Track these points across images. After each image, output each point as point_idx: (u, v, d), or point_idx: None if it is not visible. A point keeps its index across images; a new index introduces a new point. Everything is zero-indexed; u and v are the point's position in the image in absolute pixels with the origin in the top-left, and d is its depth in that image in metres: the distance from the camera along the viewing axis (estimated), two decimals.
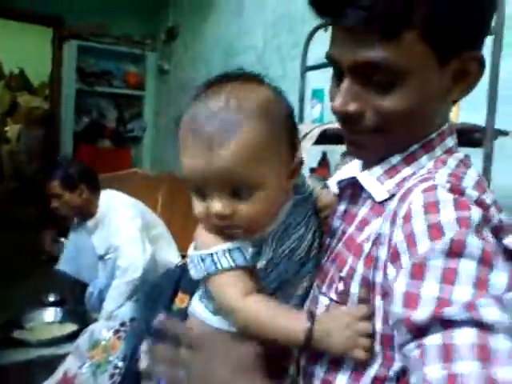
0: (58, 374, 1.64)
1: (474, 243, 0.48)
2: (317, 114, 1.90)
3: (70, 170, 2.19)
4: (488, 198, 0.56)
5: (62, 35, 4.09)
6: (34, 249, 3.27)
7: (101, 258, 2.19)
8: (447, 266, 0.48)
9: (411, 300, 0.49)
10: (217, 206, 0.59)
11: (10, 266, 3.06)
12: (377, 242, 0.57)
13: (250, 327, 0.60)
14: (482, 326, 0.44)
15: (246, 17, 3.18)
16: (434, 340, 0.46)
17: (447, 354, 0.45)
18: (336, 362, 0.59)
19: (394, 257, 0.53)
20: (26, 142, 5.14)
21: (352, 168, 0.72)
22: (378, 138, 0.62)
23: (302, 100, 2.08)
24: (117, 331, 1.71)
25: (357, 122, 0.61)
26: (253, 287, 0.61)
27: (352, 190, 0.70)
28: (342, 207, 0.71)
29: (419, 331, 0.48)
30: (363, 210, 0.65)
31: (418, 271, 0.49)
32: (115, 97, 4.43)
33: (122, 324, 1.75)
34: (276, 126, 0.60)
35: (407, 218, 0.53)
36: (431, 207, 0.52)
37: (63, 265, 2.30)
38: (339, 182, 0.72)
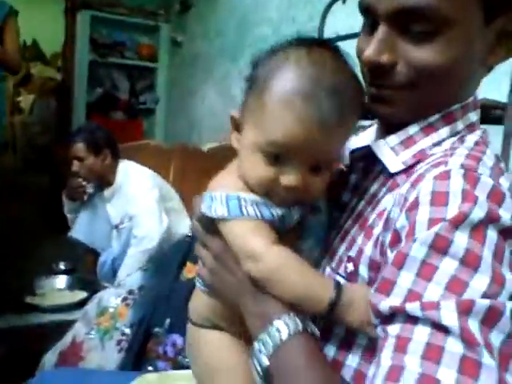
0: (67, 339, 1.67)
1: (460, 242, 0.46)
2: None
3: (95, 133, 2.18)
4: (505, 184, 0.52)
5: (74, 5, 4.04)
6: (47, 217, 3.30)
7: (115, 227, 2.20)
8: (428, 260, 0.47)
9: (385, 286, 0.49)
10: (295, 178, 0.56)
11: (23, 234, 3.10)
12: (386, 226, 0.55)
13: (274, 277, 0.55)
14: (439, 327, 0.44)
15: None
16: (394, 330, 0.46)
17: (400, 345, 0.45)
18: (347, 342, 0.57)
19: (394, 242, 0.52)
20: (39, 113, 5.16)
21: (365, 138, 0.69)
22: (408, 94, 0.58)
23: None
24: (125, 299, 1.74)
25: (388, 75, 0.58)
26: (277, 240, 0.58)
27: (364, 163, 0.67)
28: (352, 180, 0.68)
29: (385, 319, 0.48)
30: (374, 186, 0.63)
31: (400, 259, 0.48)
32: (128, 68, 4.38)
33: (130, 292, 1.77)
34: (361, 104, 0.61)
35: (414, 205, 0.51)
36: (439, 198, 0.49)
37: (76, 233, 2.31)
38: (351, 152, 0.69)
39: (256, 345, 0.55)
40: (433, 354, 0.43)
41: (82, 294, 2.05)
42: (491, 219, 0.48)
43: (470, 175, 0.50)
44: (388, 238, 0.53)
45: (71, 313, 1.91)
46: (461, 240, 0.46)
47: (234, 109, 0.65)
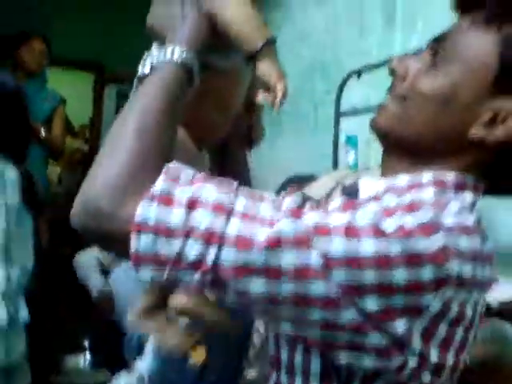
0: None
1: (370, 209, 0.49)
2: (351, 161, 1.90)
3: None
4: (465, 242, 0.49)
5: (102, 80, 4.26)
6: (71, 293, 3.30)
7: None
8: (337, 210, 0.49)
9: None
10: None
11: (50, 308, 3.11)
12: None
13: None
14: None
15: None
16: (287, 202, 0.50)
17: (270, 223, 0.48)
18: None
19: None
20: (67, 185, 5.29)
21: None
22: (395, 104, 0.61)
23: (336, 146, 2.08)
24: None
25: (395, 85, 0.62)
26: None
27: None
28: None
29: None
30: None
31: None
32: None
33: (140, 379, 1.72)
34: None
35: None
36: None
37: None
38: (343, 189, 0.70)
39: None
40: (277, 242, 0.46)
41: (106, 375, 2.03)
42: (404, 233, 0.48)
43: (414, 204, 0.51)
44: None
45: None
46: (371, 208, 0.49)
47: None
